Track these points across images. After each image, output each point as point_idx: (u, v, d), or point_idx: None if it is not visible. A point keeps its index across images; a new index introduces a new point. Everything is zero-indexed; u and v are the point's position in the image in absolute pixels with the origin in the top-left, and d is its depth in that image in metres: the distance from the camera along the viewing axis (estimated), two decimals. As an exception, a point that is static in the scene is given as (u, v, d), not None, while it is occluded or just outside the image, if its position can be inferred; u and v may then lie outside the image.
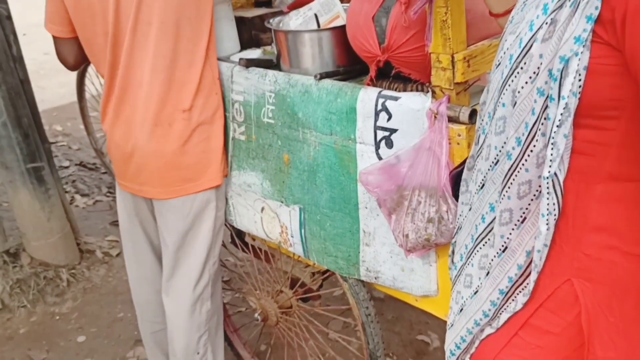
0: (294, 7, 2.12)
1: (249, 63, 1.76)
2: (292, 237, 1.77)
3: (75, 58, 1.85)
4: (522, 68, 0.85)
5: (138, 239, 1.97)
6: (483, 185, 1.00)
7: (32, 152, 2.90)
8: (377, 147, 1.46)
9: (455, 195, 1.30)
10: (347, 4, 1.83)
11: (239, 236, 2.18)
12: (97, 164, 4.34)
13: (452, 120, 1.30)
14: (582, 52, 0.77)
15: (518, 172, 0.89)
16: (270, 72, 1.69)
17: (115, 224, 3.45)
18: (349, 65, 1.64)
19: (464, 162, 1.27)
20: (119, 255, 3.18)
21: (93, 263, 3.14)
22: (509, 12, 1.15)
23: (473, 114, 1.27)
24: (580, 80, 0.78)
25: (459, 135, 1.30)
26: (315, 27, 1.75)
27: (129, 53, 1.68)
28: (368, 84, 1.51)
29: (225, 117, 1.84)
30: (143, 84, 1.70)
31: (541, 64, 0.82)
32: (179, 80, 1.71)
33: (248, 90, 1.75)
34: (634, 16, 0.72)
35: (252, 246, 2.15)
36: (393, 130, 1.41)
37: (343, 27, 1.58)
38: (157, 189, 1.79)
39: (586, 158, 0.85)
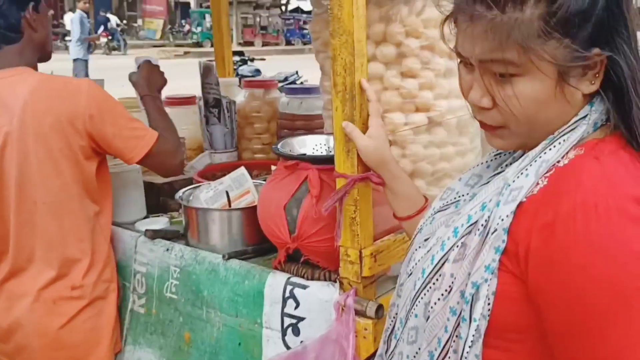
0: (203, 174, 2.16)
1: (155, 235, 1.73)
2: (187, 422, 1.65)
3: None
4: (434, 284, 0.90)
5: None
6: None
7: None
8: (284, 333, 1.44)
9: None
10: (259, 181, 1.89)
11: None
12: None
13: (359, 313, 1.32)
14: (491, 279, 0.83)
15: None
16: (177, 247, 1.67)
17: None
18: (258, 244, 1.65)
19: (370, 357, 1.28)
20: None
21: None
22: (410, 217, 1.22)
23: (379, 309, 1.30)
24: (489, 304, 0.84)
25: (366, 329, 1.32)
26: (225, 201, 1.77)
27: (16, 232, 1.62)
28: (276, 267, 1.51)
29: (125, 288, 1.76)
30: (34, 261, 1.63)
31: (453, 282, 0.87)
32: (69, 257, 1.65)
33: (152, 262, 1.70)
34: (535, 253, 0.79)
35: None
36: (300, 319, 1.41)
37: (254, 208, 1.61)
38: (38, 370, 1.64)
39: None
